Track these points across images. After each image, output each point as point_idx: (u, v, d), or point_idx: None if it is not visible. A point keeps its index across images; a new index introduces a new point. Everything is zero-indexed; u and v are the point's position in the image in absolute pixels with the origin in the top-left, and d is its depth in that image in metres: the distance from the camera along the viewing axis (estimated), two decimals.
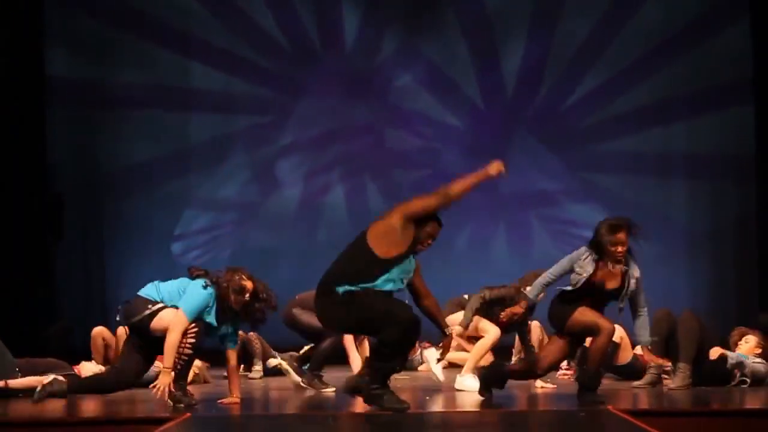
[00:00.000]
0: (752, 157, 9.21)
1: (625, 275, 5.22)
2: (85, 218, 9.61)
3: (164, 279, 6.49)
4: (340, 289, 4.70)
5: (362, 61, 9.88)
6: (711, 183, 9.60)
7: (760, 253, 9.15)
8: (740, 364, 5.93)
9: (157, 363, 5.87)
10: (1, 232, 8.83)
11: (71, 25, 9.61)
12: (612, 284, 5.26)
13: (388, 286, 4.79)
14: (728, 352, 6.06)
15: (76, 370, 7.09)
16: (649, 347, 5.67)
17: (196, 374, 6.82)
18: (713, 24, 9.47)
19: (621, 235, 5.06)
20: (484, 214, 9.59)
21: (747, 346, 6.21)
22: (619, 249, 5.07)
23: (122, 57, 9.64)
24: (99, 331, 7.66)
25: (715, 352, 6.04)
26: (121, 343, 7.14)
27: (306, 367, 6.43)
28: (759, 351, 6.21)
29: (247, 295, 5.31)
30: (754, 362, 5.99)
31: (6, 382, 6.57)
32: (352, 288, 4.72)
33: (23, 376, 6.63)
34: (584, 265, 5.26)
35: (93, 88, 9.62)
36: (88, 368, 7.19)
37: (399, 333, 4.54)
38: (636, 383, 6.10)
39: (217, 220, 9.91)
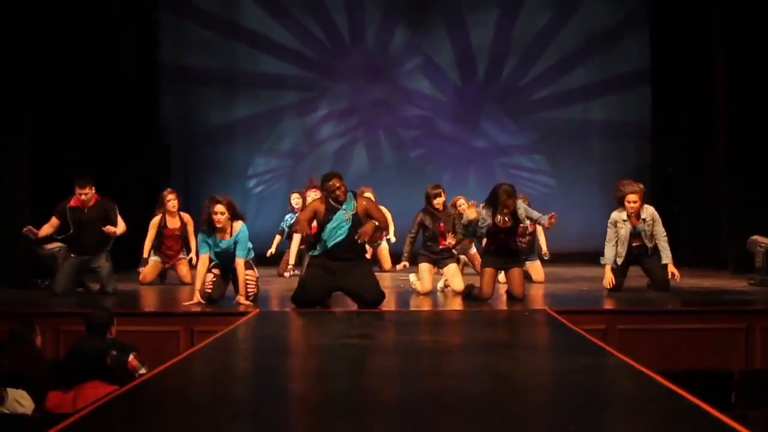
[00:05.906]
0: (649, 123, 10.67)
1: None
2: (186, 162, 11.01)
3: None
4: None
5: (378, 53, 11.15)
6: (617, 142, 10.97)
7: (651, 190, 9.54)
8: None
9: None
10: (127, 171, 10.22)
11: (180, 27, 11.13)
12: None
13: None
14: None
15: None
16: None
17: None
18: (621, 30, 10.99)
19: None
20: (461, 160, 11.14)
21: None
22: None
23: (213, 51, 11.11)
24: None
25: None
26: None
27: None
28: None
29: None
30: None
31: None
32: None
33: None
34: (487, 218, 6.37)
35: (192, 71, 11.12)
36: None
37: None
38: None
39: (277, 165, 11.26)
